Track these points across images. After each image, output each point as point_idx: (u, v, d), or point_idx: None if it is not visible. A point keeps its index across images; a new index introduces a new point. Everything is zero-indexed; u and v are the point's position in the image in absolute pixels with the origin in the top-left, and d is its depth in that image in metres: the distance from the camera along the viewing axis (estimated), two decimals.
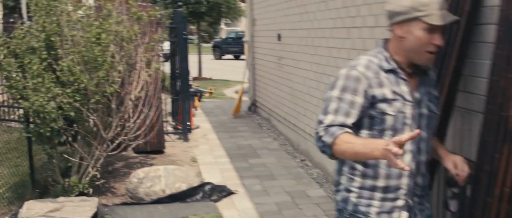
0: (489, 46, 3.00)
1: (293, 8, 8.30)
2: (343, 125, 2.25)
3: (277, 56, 9.47)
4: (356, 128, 2.31)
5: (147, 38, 6.37)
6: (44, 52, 5.59)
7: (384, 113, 2.30)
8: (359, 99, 2.27)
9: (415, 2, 2.25)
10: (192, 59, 11.19)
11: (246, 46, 12.86)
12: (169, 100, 9.89)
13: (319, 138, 2.27)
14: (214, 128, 10.32)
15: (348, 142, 2.17)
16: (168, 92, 10.04)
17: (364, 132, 2.36)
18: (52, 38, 5.64)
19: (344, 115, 2.27)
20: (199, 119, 11.14)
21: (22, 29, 5.77)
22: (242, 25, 34.24)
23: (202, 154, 8.24)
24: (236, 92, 14.57)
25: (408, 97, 2.35)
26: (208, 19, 20.98)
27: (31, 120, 5.84)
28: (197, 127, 10.12)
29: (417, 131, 1.99)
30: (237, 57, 34.06)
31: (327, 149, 2.24)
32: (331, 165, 6.63)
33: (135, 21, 6.09)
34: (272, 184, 6.63)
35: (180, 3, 10.02)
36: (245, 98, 12.38)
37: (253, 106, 12.14)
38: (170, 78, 9.87)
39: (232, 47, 34.05)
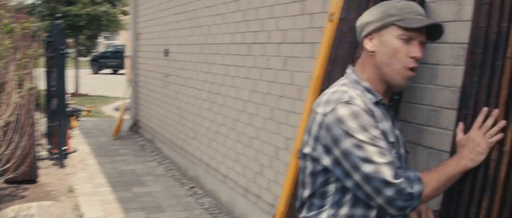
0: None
1: (183, 21, 7.52)
2: (400, 166, 1.81)
3: (164, 73, 8.64)
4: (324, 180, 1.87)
5: (20, 54, 5.55)
6: None
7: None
8: (381, 129, 1.84)
9: (388, 7, 1.89)
10: (69, 74, 10.08)
11: (127, 61, 11.86)
12: (43, 120, 8.73)
13: (403, 195, 1.75)
14: (94, 151, 9.27)
15: (432, 175, 1.84)
16: (43, 111, 8.89)
17: (331, 187, 1.88)
18: None
19: (391, 152, 1.81)
20: (76, 140, 10.01)
21: None
22: (121, 39, 33.09)
23: (81, 182, 7.22)
24: (116, 109, 13.54)
25: (393, 133, 1.94)
26: (87, 33, 19.77)
27: None
28: (75, 151, 8.99)
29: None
30: (115, 72, 32.93)
31: (417, 201, 1.79)
32: (224, 193, 5.93)
33: (6, 35, 5.16)
34: None
35: (58, 15, 8.93)
36: (126, 116, 11.40)
37: (135, 127, 11.18)
38: (46, 96, 8.77)
39: (111, 62, 32.90)
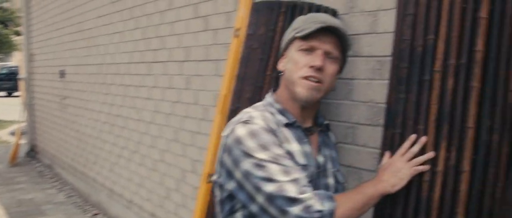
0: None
1: (80, 41, 7.08)
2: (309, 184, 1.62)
3: (61, 96, 8.13)
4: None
5: None
6: None
7: None
8: (286, 149, 1.67)
9: (294, 22, 1.81)
10: None
11: (22, 83, 11.16)
12: None
13: (312, 213, 1.53)
14: None
15: (347, 195, 1.66)
16: None
17: (238, 215, 1.68)
18: None
19: (298, 171, 1.62)
20: None
21: None
22: (15, 60, 31.63)
23: None
24: (12, 134, 12.71)
25: (311, 161, 1.76)
26: None
27: None
28: None
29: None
30: (10, 94, 31.31)
31: None
32: None
33: None
34: None
35: None
36: (23, 141, 10.68)
37: (33, 152, 10.50)
38: None
39: (5, 83, 31.27)
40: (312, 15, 1.81)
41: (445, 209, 1.75)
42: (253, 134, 1.60)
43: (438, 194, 1.76)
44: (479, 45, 1.74)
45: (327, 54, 1.75)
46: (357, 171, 2.69)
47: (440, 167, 1.77)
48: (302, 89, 1.72)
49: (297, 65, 1.72)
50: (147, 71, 5.05)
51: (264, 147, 1.58)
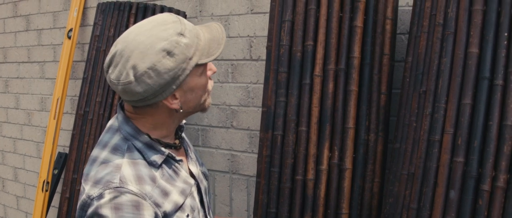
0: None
1: None
2: None
3: None
4: None
5: None
6: None
7: None
8: None
9: (182, 54, 1.29)
10: None
11: None
12: None
13: None
14: None
15: None
16: None
17: None
18: None
19: None
20: None
21: None
22: None
23: None
24: None
25: (190, 180, 1.46)
26: None
27: None
28: None
29: None
30: None
31: None
32: None
33: None
34: None
35: None
36: None
37: None
38: None
39: None
40: (198, 36, 1.38)
41: (330, 205, 1.80)
42: (117, 210, 1.27)
43: (323, 191, 1.80)
44: (356, 52, 1.81)
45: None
46: (210, 173, 2.66)
47: (324, 165, 1.81)
48: (207, 104, 1.46)
49: (207, 89, 1.42)
50: None
51: None
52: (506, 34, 1.48)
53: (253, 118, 2.49)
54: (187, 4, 2.71)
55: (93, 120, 2.63)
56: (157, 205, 1.31)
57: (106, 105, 2.57)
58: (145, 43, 1.27)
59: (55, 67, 3.46)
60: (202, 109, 1.45)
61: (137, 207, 1.28)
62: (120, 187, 1.28)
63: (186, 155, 1.53)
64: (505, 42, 1.47)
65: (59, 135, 3.26)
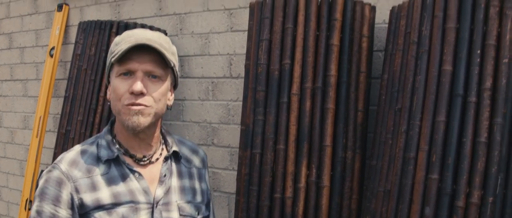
0: None
1: None
2: None
3: None
4: None
5: None
6: None
7: None
8: (63, 213, 1.42)
9: (112, 44, 1.47)
10: None
11: None
12: None
13: None
14: None
15: None
16: None
17: None
18: None
19: None
20: None
21: None
22: None
23: None
24: None
25: (142, 197, 1.47)
26: None
27: None
28: None
29: None
30: None
31: None
32: None
33: None
34: None
35: None
36: None
37: None
38: None
39: None
40: (126, 34, 1.48)
41: None
42: (45, 180, 1.46)
43: (301, 209, 1.79)
44: (333, 70, 1.81)
45: (149, 74, 1.45)
46: None
47: (302, 183, 1.80)
48: (127, 118, 1.44)
49: (118, 93, 1.44)
50: None
51: (42, 197, 1.44)
52: (479, 51, 1.49)
53: (233, 135, 2.48)
54: (167, 22, 2.70)
55: (74, 138, 2.61)
56: (77, 191, 1.42)
57: (88, 124, 2.55)
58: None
59: (37, 85, 3.43)
60: (120, 120, 1.46)
61: (59, 183, 1.43)
62: (55, 163, 1.46)
63: (163, 179, 1.51)
64: (478, 60, 1.48)
65: (42, 153, 3.22)
